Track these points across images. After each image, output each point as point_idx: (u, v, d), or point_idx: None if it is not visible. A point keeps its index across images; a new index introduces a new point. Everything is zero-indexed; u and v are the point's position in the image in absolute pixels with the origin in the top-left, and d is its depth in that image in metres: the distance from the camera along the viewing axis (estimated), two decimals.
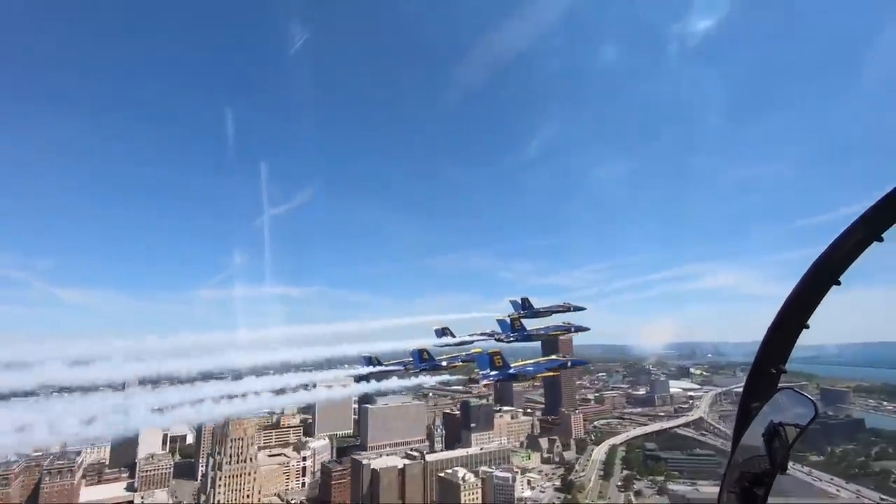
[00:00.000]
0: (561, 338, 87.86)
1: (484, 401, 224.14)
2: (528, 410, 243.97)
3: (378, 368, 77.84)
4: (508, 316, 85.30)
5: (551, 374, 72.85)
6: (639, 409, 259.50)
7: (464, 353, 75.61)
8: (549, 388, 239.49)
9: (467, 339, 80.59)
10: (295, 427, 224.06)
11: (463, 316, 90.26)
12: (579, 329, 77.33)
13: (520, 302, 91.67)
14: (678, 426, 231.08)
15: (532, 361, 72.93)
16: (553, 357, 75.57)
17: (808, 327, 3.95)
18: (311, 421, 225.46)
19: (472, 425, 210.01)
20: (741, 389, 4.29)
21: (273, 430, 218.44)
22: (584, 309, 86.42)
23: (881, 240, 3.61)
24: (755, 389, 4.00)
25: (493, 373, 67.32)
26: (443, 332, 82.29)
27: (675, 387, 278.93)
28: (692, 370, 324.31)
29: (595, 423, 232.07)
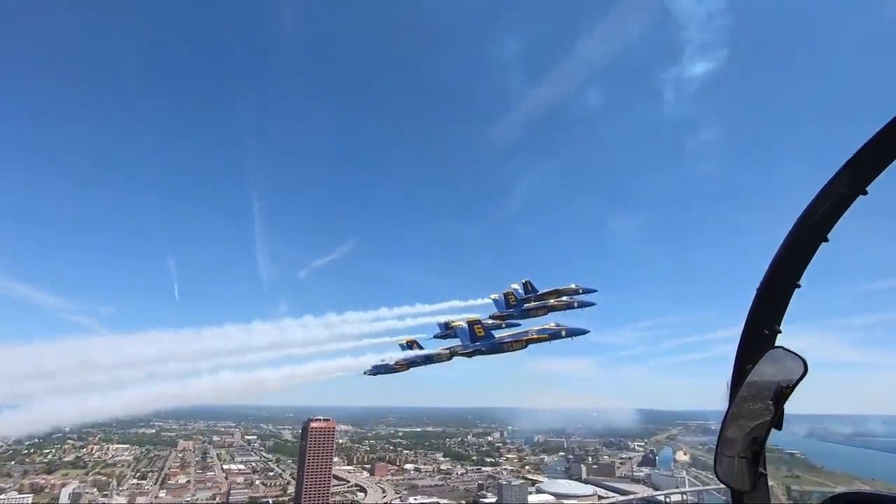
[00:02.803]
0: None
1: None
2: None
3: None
4: (504, 293, 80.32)
5: (542, 340, 65.72)
6: None
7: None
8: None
9: (431, 352, 72.31)
10: None
11: (443, 306, 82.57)
12: (575, 333, 68.67)
13: (520, 288, 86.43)
14: None
15: (520, 331, 67.88)
16: (546, 326, 68.54)
17: (799, 286, 3.89)
18: None
19: None
20: None
21: None
22: (595, 291, 79.68)
23: (865, 193, 3.58)
24: (749, 350, 3.94)
25: (473, 343, 64.02)
26: (408, 345, 75.57)
27: None
28: None
29: None
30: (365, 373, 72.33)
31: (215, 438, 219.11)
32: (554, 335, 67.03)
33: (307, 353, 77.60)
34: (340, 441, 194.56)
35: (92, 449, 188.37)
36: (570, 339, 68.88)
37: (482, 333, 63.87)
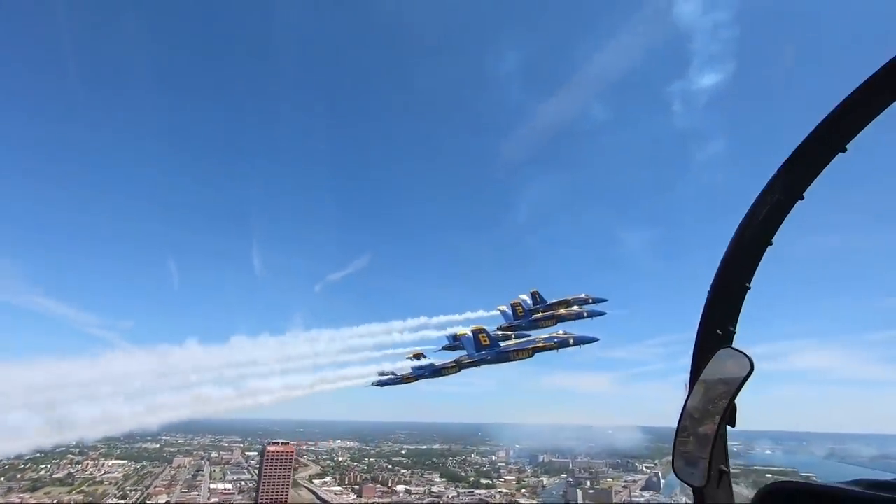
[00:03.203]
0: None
1: None
2: None
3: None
4: (511, 303, 78.82)
5: (549, 348, 63.53)
6: None
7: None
8: None
9: (438, 364, 69.82)
10: None
11: (451, 318, 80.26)
12: (584, 341, 66.07)
13: (528, 299, 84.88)
14: None
15: (526, 339, 65.15)
16: (553, 335, 66.18)
17: (749, 287, 3.96)
18: None
19: None
20: None
21: None
22: (606, 300, 77.07)
23: (802, 198, 3.67)
24: (703, 351, 3.96)
25: (479, 353, 62.01)
26: (417, 358, 73.95)
27: None
28: None
29: None
30: (372, 384, 71.43)
31: (213, 455, 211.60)
32: (561, 343, 64.67)
33: (313, 365, 76.93)
34: (340, 458, 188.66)
35: (87, 465, 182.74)
36: (578, 347, 66.44)
37: (487, 342, 61.97)
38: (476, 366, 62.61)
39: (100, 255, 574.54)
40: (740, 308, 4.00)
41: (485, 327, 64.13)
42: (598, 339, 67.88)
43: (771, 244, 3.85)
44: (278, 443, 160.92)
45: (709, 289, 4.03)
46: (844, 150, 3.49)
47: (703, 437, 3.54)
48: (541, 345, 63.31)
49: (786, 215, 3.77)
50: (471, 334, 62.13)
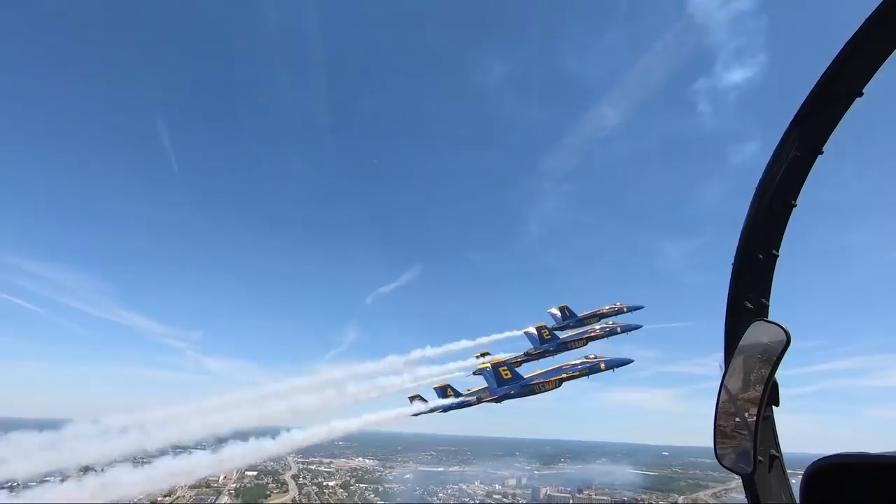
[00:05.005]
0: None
1: None
2: None
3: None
4: (536, 327, 73.72)
5: (578, 376, 58.44)
6: None
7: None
8: None
9: (505, 357, 65.89)
10: None
11: (498, 336, 78.43)
12: (616, 364, 61.29)
13: (557, 313, 79.66)
14: None
15: (551, 368, 59.77)
16: (584, 359, 60.44)
17: (777, 255, 3.67)
18: None
19: None
20: None
21: None
22: (642, 307, 72.35)
23: (822, 152, 3.36)
24: (734, 327, 3.67)
25: (501, 388, 57.27)
26: (482, 355, 69.87)
27: None
28: None
29: None
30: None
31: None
32: (592, 369, 59.35)
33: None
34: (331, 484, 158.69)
35: None
36: (611, 371, 60.97)
37: (509, 376, 57.26)
38: (498, 402, 57.99)
39: (170, 273, 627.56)
40: (771, 278, 3.64)
41: (505, 359, 59.78)
42: (632, 361, 62.72)
43: (795, 205, 3.49)
44: None
45: (733, 260, 3.67)
46: (861, 93, 3.16)
47: (745, 420, 3.23)
48: (568, 375, 58.41)
49: (807, 172, 3.41)
50: (491, 368, 57.44)
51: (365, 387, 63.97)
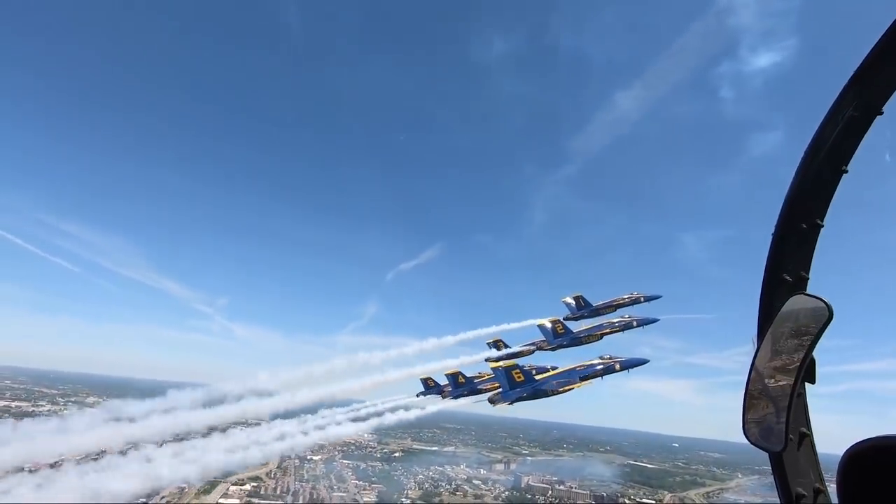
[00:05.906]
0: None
1: None
2: None
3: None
4: (550, 321, 67.44)
5: (593, 377, 54.71)
6: None
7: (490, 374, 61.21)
8: None
9: (517, 349, 67.23)
10: None
11: (515, 326, 73.26)
12: (631, 364, 58.71)
13: (572, 302, 73.30)
14: None
15: (565, 369, 55.47)
16: (594, 361, 56.42)
17: (822, 225, 3.45)
18: None
19: None
20: None
21: None
22: (660, 297, 69.19)
23: (881, 113, 3.12)
24: (771, 300, 3.48)
25: (513, 391, 51.30)
26: (495, 344, 69.93)
27: None
28: None
29: None
30: (417, 394, 68.22)
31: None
32: (607, 370, 56.05)
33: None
34: (316, 458, 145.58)
35: None
36: (625, 371, 58.27)
37: (521, 378, 51.32)
38: (510, 405, 52.40)
39: (201, 241, 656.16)
40: (813, 250, 3.45)
41: (517, 362, 54.85)
42: (647, 361, 61.58)
43: (846, 171, 3.26)
44: None
45: (773, 229, 3.47)
46: None
47: (778, 397, 3.07)
48: (583, 378, 55.00)
49: (862, 136, 3.17)
50: (502, 370, 51.34)
51: (418, 368, 65.39)
